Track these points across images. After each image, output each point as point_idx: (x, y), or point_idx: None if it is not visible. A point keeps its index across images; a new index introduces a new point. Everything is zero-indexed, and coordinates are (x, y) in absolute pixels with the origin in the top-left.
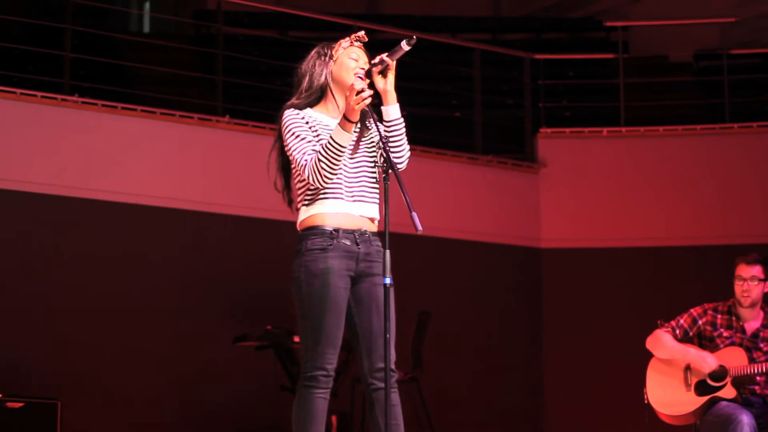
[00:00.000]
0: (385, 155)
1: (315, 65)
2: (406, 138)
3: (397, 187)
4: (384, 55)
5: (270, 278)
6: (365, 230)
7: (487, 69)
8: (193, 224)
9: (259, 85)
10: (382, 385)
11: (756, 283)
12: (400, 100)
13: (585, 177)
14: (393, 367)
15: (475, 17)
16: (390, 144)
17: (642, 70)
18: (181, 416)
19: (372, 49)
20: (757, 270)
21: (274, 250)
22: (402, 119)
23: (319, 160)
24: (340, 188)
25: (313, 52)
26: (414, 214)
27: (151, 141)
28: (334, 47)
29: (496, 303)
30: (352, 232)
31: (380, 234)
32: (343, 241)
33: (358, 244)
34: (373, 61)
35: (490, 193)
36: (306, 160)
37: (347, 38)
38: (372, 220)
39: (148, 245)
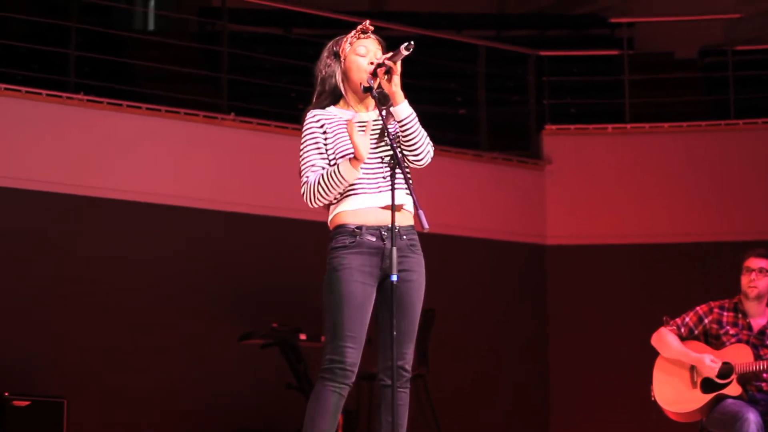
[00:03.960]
0: (392, 152)
1: (326, 67)
2: (424, 134)
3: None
4: (386, 57)
5: (276, 276)
6: (395, 225)
7: (491, 66)
8: (199, 222)
9: (264, 83)
10: (392, 382)
11: (764, 274)
12: (405, 97)
13: (590, 174)
14: (407, 366)
15: (480, 14)
16: (406, 142)
17: (647, 67)
18: (187, 414)
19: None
20: (765, 262)
21: (281, 247)
22: (414, 116)
23: (319, 183)
24: (362, 186)
25: (324, 52)
26: (420, 212)
27: (156, 139)
28: (341, 44)
29: (502, 300)
30: (378, 228)
31: (390, 230)
32: (367, 237)
33: (383, 240)
34: (377, 61)
35: (495, 190)
36: (307, 177)
37: (353, 32)
38: (400, 208)
39: (154, 243)
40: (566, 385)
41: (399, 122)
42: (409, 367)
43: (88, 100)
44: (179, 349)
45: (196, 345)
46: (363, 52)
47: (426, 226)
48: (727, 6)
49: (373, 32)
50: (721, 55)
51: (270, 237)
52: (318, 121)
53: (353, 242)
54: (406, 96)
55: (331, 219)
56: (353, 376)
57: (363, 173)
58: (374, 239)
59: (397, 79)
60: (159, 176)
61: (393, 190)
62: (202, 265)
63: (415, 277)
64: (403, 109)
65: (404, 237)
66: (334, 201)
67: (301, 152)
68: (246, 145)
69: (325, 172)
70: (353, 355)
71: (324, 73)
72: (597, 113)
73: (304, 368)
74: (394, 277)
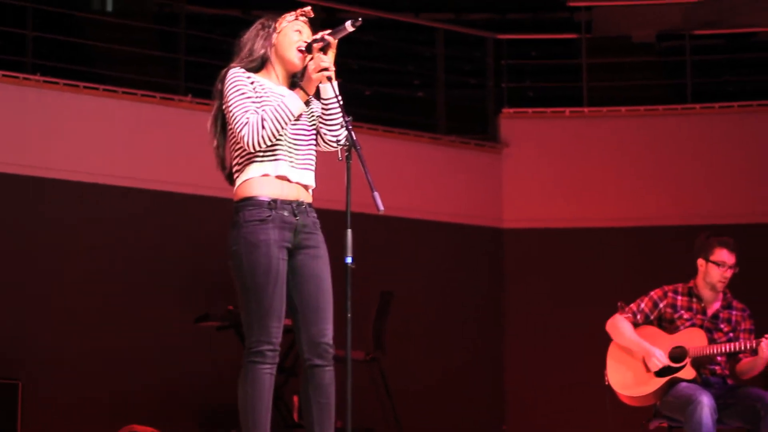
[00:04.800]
0: (347, 134)
1: (257, 36)
2: (341, 118)
3: (359, 167)
4: (326, 33)
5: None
6: (302, 201)
7: (450, 49)
8: (156, 203)
9: (221, 65)
10: (319, 362)
11: (734, 269)
12: (363, 79)
13: (547, 157)
14: (330, 342)
15: None
16: (325, 122)
17: (605, 51)
18: (143, 396)
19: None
20: (735, 257)
21: None
22: (339, 98)
23: (263, 119)
24: (283, 152)
25: (256, 23)
26: (375, 193)
27: (113, 120)
28: (278, 20)
29: (458, 283)
30: (290, 203)
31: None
32: (281, 212)
33: (296, 216)
34: (314, 37)
35: (452, 173)
36: (247, 118)
37: (293, 12)
38: (307, 188)
39: (111, 224)
40: (521, 368)
41: (325, 100)
42: (331, 342)
43: (45, 81)
44: (135, 332)
45: (152, 327)
46: (297, 36)
47: (381, 207)
48: None
49: (329, 23)
50: (679, 39)
51: (227, 218)
52: (248, 77)
53: (270, 216)
54: (364, 78)
55: (240, 187)
56: (279, 355)
57: (286, 142)
58: (287, 214)
59: (332, 55)
60: (115, 157)
61: (348, 171)
62: (160, 246)
63: (323, 253)
64: (332, 88)
65: (310, 214)
66: (255, 158)
67: (232, 99)
68: (203, 126)
69: (268, 108)
70: (279, 334)
71: (255, 41)
72: (555, 97)
73: None
74: (349, 260)
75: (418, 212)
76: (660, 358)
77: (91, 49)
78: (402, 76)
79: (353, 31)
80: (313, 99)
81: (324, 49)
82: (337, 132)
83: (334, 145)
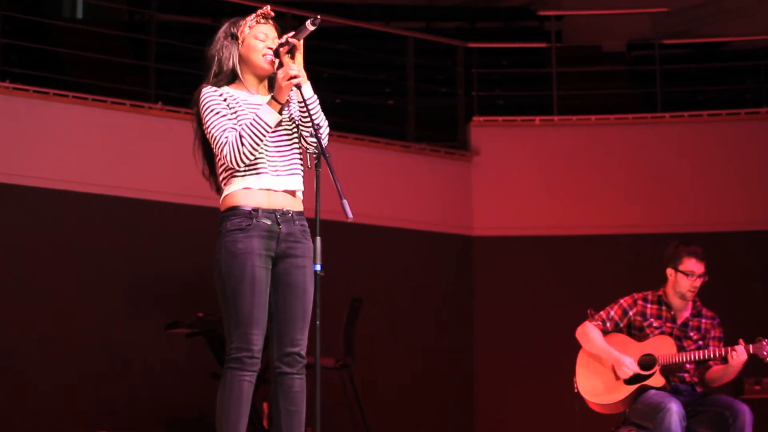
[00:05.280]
0: (317, 141)
1: (222, 48)
2: (322, 116)
3: (329, 175)
4: (289, 35)
5: (203, 264)
6: (288, 209)
7: (420, 57)
8: (126, 211)
9: (192, 72)
10: (289, 369)
11: (703, 278)
12: (334, 87)
13: (517, 165)
14: (303, 352)
15: (409, 5)
16: (303, 123)
17: (575, 60)
18: (112, 404)
19: (308, 35)
20: (705, 266)
21: (207, 236)
22: (315, 98)
23: (241, 136)
24: (263, 163)
25: (220, 33)
26: (344, 201)
27: (83, 127)
28: (239, 28)
29: (429, 290)
30: (273, 211)
31: (311, 221)
32: (263, 220)
33: (279, 224)
34: (279, 41)
35: (422, 181)
36: (226, 138)
37: (252, 15)
38: (294, 193)
39: (80, 232)
40: (492, 375)
41: (300, 103)
42: (304, 352)
43: (15, 88)
44: (105, 339)
45: (122, 334)
46: (262, 37)
47: (350, 215)
48: (655, 0)
49: (273, 18)
50: (649, 49)
51: (197, 226)
52: (220, 95)
53: (250, 225)
54: (335, 87)
55: (224, 199)
56: (259, 362)
57: (265, 154)
58: (270, 222)
59: (299, 57)
60: (85, 165)
61: (317, 178)
62: (129, 253)
63: (307, 262)
64: (306, 89)
65: (297, 222)
66: (239, 171)
67: (209, 121)
68: (173, 134)
69: (244, 124)
70: (259, 341)
71: (221, 54)
72: (525, 105)
73: None
74: (318, 267)
75: (388, 220)
76: (629, 366)
77: (61, 57)
78: (373, 84)
79: (314, 30)
80: (292, 100)
81: (291, 52)
82: (320, 129)
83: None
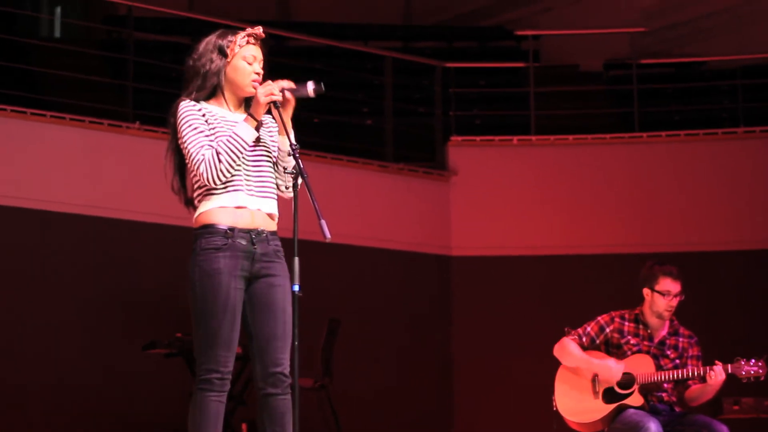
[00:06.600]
0: (295, 162)
1: (210, 62)
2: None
3: (307, 195)
4: (286, 86)
5: (180, 285)
6: (263, 230)
7: (398, 77)
8: (104, 231)
9: (169, 91)
10: (273, 390)
11: (679, 297)
12: (312, 107)
13: (495, 185)
14: (286, 372)
15: (387, 25)
16: (282, 172)
17: (552, 79)
18: (89, 424)
19: (286, 55)
20: (680, 285)
21: (184, 256)
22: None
23: (219, 153)
24: (240, 181)
25: (206, 45)
26: (323, 221)
27: (61, 147)
28: (229, 45)
29: (407, 310)
30: (249, 231)
31: (289, 241)
32: (238, 240)
33: (254, 244)
34: (272, 92)
35: (400, 200)
36: (203, 155)
37: (243, 34)
38: (271, 216)
39: (57, 252)
40: (470, 396)
41: (282, 152)
42: (287, 372)
43: None
44: (82, 358)
45: (100, 354)
46: (250, 59)
47: (328, 236)
48: (632, 20)
49: (279, 51)
50: (626, 68)
51: (175, 245)
52: (199, 110)
53: (226, 244)
54: (313, 105)
55: (199, 217)
56: (229, 383)
57: (239, 171)
58: (245, 243)
59: (290, 111)
60: (63, 184)
61: (295, 198)
62: (105, 273)
63: (283, 282)
64: (285, 142)
65: (271, 243)
66: (215, 189)
67: (186, 136)
68: (151, 153)
69: (221, 141)
70: (230, 362)
71: (208, 68)
72: (503, 125)
73: None
74: (296, 287)
75: (367, 240)
76: (616, 367)
77: (38, 76)
78: (350, 103)
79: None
80: (270, 128)
81: (283, 104)
82: (287, 183)
83: (285, 193)
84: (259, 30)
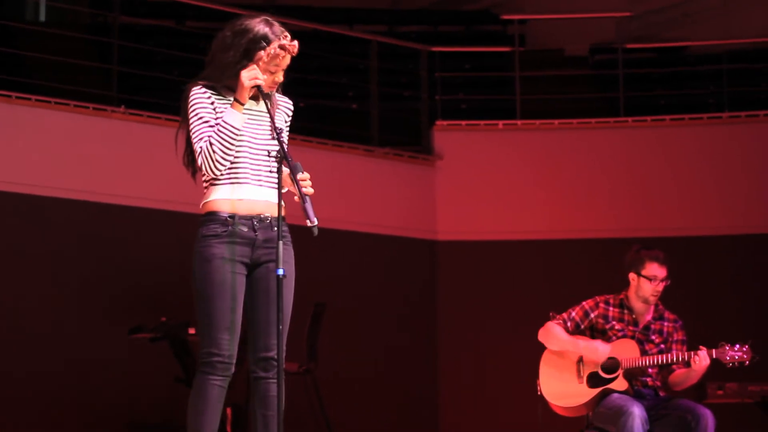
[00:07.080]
0: (279, 146)
1: (231, 61)
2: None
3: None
4: (285, 161)
5: (166, 269)
6: (266, 216)
7: (383, 61)
8: (89, 215)
9: (155, 75)
10: (264, 374)
11: (665, 282)
12: (297, 91)
13: (481, 169)
14: (276, 357)
15: (372, 9)
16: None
17: (538, 64)
18: (75, 409)
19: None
20: (667, 270)
21: (170, 240)
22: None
23: (211, 144)
24: (245, 172)
25: (250, 32)
26: (308, 205)
27: (46, 131)
28: (267, 45)
29: (392, 294)
30: (251, 218)
31: (261, 221)
32: (239, 227)
33: (255, 231)
34: (257, 74)
35: (386, 185)
36: (200, 147)
37: (275, 45)
38: (276, 204)
39: (42, 236)
40: (455, 379)
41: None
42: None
43: None
44: (67, 343)
45: (85, 339)
46: (273, 70)
47: (314, 220)
48: (618, 4)
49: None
50: (612, 53)
51: (160, 230)
52: (209, 97)
53: (225, 231)
54: (297, 91)
55: (204, 205)
56: (233, 367)
57: (248, 163)
58: (246, 229)
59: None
60: (47, 168)
61: (280, 182)
62: (92, 258)
63: (285, 267)
64: (273, 125)
65: (275, 228)
66: (220, 178)
67: (192, 125)
68: (136, 137)
69: (213, 131)
70: (231, 346)
71: (228, 63)
72: (488, 109)
73: (192, 362)
74: (280, 271)
75: (353, 224)
76: (602, 348)
77: (23, 59)
78: (336, 88)
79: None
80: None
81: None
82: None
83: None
84: (294, 47)
